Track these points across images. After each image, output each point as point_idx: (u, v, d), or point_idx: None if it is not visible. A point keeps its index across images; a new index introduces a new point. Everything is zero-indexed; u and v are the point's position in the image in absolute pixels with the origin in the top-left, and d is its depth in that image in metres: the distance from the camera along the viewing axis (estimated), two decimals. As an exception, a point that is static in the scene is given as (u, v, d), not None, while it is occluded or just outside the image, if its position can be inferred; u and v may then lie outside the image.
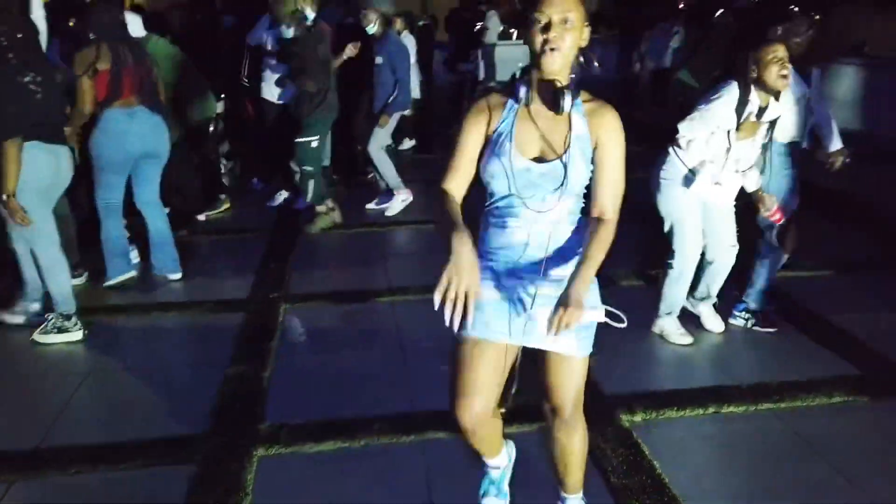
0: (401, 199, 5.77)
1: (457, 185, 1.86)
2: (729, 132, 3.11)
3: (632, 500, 2.35)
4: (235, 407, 2.96)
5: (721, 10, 6.57)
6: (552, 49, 1.70)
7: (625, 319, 1.78)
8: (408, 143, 8.06)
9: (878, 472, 2.51)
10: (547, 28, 1.69)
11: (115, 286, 4.18)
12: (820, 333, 3.55)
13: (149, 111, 4.00)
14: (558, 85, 1.73)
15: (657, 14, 10.60)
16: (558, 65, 1.72)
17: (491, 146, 1.83)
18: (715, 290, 3.53)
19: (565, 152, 1.78)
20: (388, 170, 5.73)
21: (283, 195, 6.00)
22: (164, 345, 3.69)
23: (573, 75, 1.79)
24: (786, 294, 3.97)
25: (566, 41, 1.70)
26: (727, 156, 3.15)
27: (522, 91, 1.77)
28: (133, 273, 4.26)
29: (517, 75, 1.83)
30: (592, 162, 1.82)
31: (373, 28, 5.50)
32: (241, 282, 4.33)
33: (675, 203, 3.30)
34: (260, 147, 6.29)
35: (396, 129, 6.52)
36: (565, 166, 1.78)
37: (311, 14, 5.04)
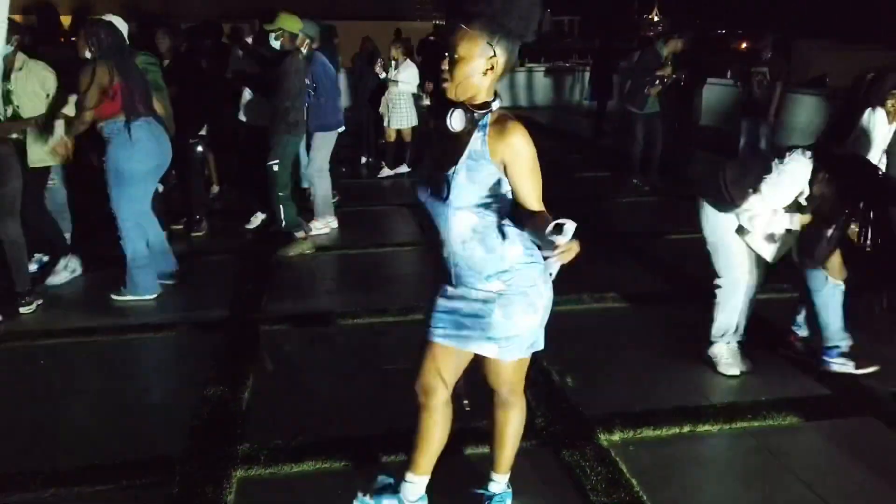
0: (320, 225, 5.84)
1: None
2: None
3: (611, 518, 2.38)
4: (214, 428, 2.93)
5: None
6: (443, 79, 1.90)
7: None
8: (402, 168, 8.12)
9: (849, 489, 2.57)
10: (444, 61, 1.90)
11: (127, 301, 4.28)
12: (793, 353, 3.62)
13: (158, 123, 4.20)
14: (452, 107, 1.90)
15: (631, 43, 10.89)
16: (450, 92, 1.91)
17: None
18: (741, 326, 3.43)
19: (452, 169, 1.94)
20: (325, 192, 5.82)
21: (260, 217, 6.00)
22: (142, 365, 3.66)
23: (492, 99, 1.93)
24: (760, 315, 4.06)
25: (455, 73, 1.88)
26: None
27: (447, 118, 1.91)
28: (158, 293, 4.36)
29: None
30: (507, 178, 1.94)
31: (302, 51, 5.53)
32: (218, 303, 4.31)
33: (718, 224, 3.28)
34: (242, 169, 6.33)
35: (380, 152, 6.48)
36: (448, 181, 1.94)
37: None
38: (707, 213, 3.33)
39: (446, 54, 1.89)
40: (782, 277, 3.75)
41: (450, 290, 2.10)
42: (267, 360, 3.55)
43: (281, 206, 5.22)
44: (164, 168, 4.33)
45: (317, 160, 5.72)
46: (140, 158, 4.10)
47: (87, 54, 4.02)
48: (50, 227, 4.57)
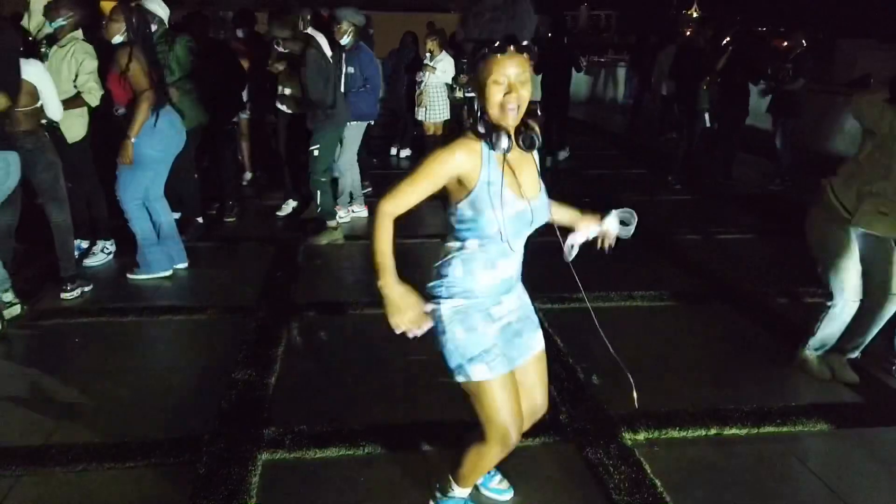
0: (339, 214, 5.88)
1: (398, 210, 1.93)
2: None
3: (633, 518, 2.37)
4: (241, 411, 2.98)
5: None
6: (511, 109, 1.83)
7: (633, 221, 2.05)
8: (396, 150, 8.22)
9: (880, 500, 2.52)
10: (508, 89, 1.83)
11: (144, 280, 4.41)
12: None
13: (175, 111, 4.29)
14: (530, 130, 1.91)
15: (665, 38, 10.73)
16: (516, 120, 1.87)
17: (482, 195, 1.87)
18: (864, 343, 3.29)
19: (538, 193, 1.97)
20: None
21: (292, 204, 6.06)
22: (172, 347, 3.72)
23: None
24: (788, 318, 4.00)
25: (523, 100, 1.85)
26: None
27: (504, 141, 1.85)
28: (171, 271, 4.50)
29: (467, 109, 1.91)
30: None
31: (346, 39, 5.56)
32: (248, 288, 4.37)
33: (826, 239, 3.16)
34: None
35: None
36: (538, 206, 1.96)
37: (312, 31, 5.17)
38: (816, 225, 3.20)
39: (503, 82, 1.81)
40: (811, 281, 3.68)
41: (497, 310, 2.03)
42: (298, 342, 3.59)
43: (318, 192, 5.27)
44: (173, 157, 4.40)
45: (348, 151, 5.77)
46: (159, 146, 4.21)
47: (118, 38, 4.07)
48: (97, 205, 4.68)
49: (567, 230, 2.17)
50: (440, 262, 2.03)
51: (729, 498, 2.53)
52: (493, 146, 1.85)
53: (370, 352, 3.64)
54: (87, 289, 4.22)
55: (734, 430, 2.91)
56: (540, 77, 8.20)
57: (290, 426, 2.85)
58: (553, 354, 3.48)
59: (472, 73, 1.86)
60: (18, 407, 3.03)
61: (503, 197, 1.87)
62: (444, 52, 7.73)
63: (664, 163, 8.00)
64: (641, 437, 2.85)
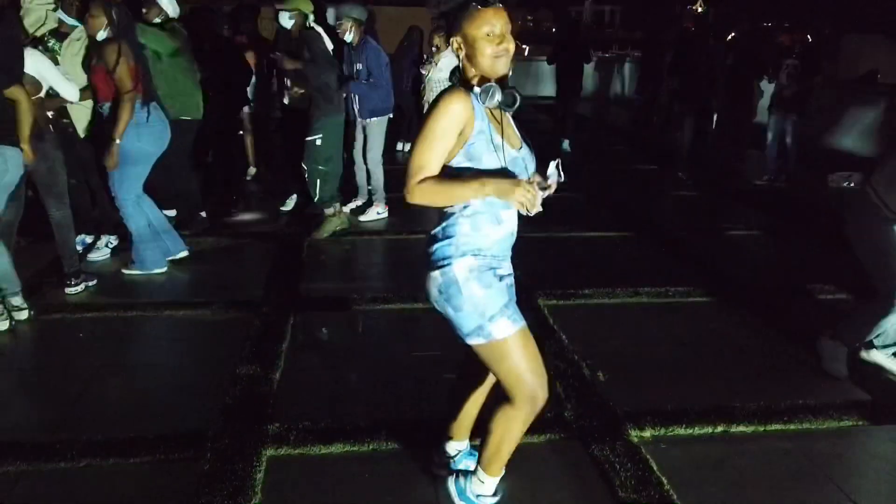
0: (376, 211, 5.92)
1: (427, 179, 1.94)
2: None
3: (639, 516, 2.35)
4: (246, 407, 2.97)
5: None
6: (500, 55, 1.93)
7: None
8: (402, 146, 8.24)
9: (889, 497, 2.50)
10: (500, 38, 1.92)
11: (139, 275, 4.38)
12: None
13: (162, 108, 4.23)
14: (510, 89, 1.94)
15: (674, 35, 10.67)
16: (508, 67, 1.97)
17: (477, 143, 1.93)
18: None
19: (524, 141, 2.07)
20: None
21: (295, 198, 6.05)
22: (176, 342, 3.71)
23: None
24: (797, 316, 3.98)
25: (510, 47, 1.95)
26: None
27: (498, 94, 1.92)
28: (165, 268, 4.45)
29: (457, 75, 2.03)
30: None
31: (349, 36, 5.53)
32: (253, 283, 4.35)
33: (881, 239, 3.09)
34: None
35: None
36: (528, 155, 2.06)
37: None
38: (865, 230, 3.16)
39: (492, 33, 1.90)
40: (825, 279, 3.67)
41: (503, 268, 2.07)
42: (303, 337, 3.58)
43: (318, 180, 5.24)
44: (161, 153, 4.34)
45: (374, 148, 5.75)
46: (150, 140, 4.18)
47: (102, 34, 4.02)
48: (103, 200, 4.68)
49: None
50: (441, 225, 2.03)
51: (736, 495, 2.51)
52: (484, 100, 1.92)
53: (375, 347, 3.63)
54: (91, 283, 4.21)
55: (741, 428, 2.89)
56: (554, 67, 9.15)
57: (294, 422, 2.84)
58: (557, 351, 3.47)
59: (457, 32, 1.94)
60: (23, 402, 3.03)
61: (503, 142, 1.95)
62: (449, 48, 7.69)
63: (671, 159, 7.97)
64: (648, 434, 2.83)
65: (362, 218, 5.85)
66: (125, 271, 4.45)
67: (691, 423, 2.91)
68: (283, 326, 3.76)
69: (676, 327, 3.89)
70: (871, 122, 8.67)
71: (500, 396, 2.09)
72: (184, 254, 4.60)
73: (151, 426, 2.81)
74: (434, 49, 7.60)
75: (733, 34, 7.48)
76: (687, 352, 3.58)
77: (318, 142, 5.16)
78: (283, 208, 6.02)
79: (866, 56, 13.56)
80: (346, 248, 5.20)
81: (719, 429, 2.89)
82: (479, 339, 1.98)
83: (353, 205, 6.05)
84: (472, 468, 2.32)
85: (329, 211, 5.35)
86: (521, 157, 2.02)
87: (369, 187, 6.01)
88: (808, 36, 7.37)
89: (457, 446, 2.48)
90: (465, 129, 1.92)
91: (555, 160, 1.99)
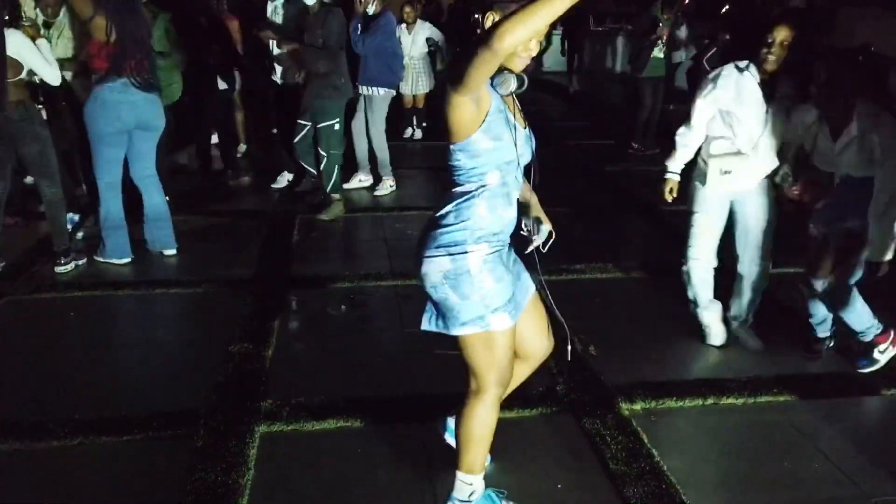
0: (388, 184, 5.92)
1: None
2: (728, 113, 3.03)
3: (630, 487, 2.37)
4: (238, 384, 2.97)
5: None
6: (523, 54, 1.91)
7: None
8: (411, 132, 8.08)
9: (876, 468, 2.52)
10: None
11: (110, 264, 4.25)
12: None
13: (143, 84, 3.99)
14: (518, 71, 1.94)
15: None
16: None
17: (497, 121, 1.92)
18: (744, 311, 3.36)
19: (526, 125, 2.05)
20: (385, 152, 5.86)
21: (287, 176, 6.01)
22: (168, 321, 3.71)
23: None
24: (790, 289, 3.99)
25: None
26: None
27: (513, 82, 1.91)
28: (129, 259, 4.27)
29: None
30: None
31: (372, 7, 5.46)
32: (245, 261, 4.34)
33: (694, 198, 3.25)
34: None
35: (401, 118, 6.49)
36: (533, 135, 2.06)
37: None
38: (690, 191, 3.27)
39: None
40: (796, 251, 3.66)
41: (508, 257, 2.08)
42: (295, 314, 3.58)
43: (336, 166, 5.19)
44: (150, 132, 4.16)
45: (378, 122, 5.72)
46: (107, 118, 3.94)
47: (90, 13, 3.84)
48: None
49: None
50: (454, 207, 1.96)
51: (725, 467, 2.54)
52: (500, 87, 1.90)
53: (367, 324, 3.64)
54: (81, 262, 4.18)
55: (731, 400, 2.92)
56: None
57: (287, 398, 2.84)
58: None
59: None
60: (15, 381, 3.02)
61: (514, 120, 1.95)
62: (420, 21, 7.49)
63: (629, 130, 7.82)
64: (638, 407, 2.85)
65: (377, 192, 5.87)
66: (96, 257, 4.28)
67: (682, 396, 2.93)
68: (275, 304, 3.76)
69: (666, 301, 3.90)
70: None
71: (467, 398, 2.08)
72: (171, 252, 4.40)
73: (144, 404, 2.82)
74: (405, 24, 7.36)
75: (727, 7, 7.38)
76: (677, 326, 3.59)
77: (336, 126, 5.10)
78: (275, 186, 5.98)
79: (860, 30, 13.46)
80: (337, 226, 5.18)
81: (709, 401, 2.91)
82: (474, 329, 1.96)
83: (357, 183, 5.99)
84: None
85: (336, 196, 5.30)
86: (528, 135, 2.05)
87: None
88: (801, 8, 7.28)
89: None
90: (484, 101, 1.88)
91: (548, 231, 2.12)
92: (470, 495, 2.14)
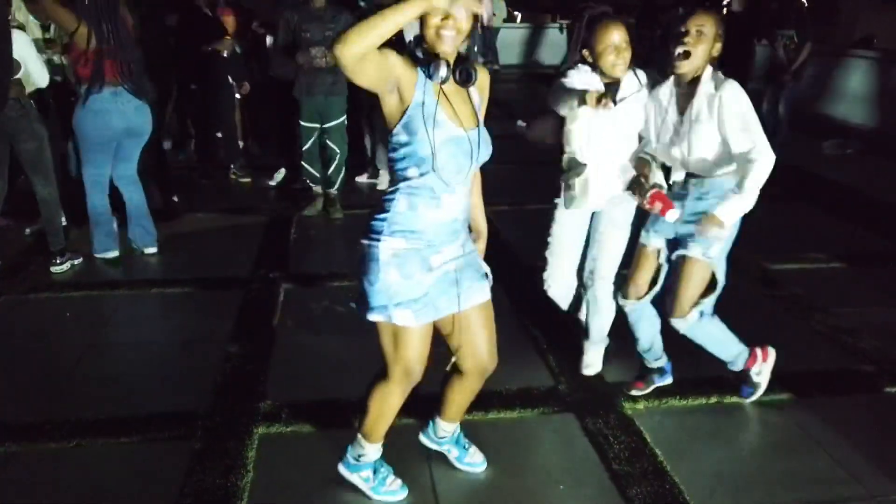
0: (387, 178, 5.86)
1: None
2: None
3: (633, 487, 2.35)
4: (236, 384, 2.94)
5: None
6: (447, 35, 1.83)
7: None
8: None
9: (880, 466, 2.50)
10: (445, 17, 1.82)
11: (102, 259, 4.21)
12: (824, 326, 3.53)
13: (131, 92, 3.96)
14: (468, 65, 1.88)
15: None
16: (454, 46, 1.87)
17: (411, 114, 1.87)
18: (595, 334, 3.02)
19: (476, 126, 1.97)
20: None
21: (283, 173, 5.97)
22: (165, 320, 3.68)
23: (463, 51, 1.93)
24: (791, 286, 3.96)
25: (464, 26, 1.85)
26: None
27: (443, 70, 1.84)
28: (117, 253, 4.23)
29: (414, 44, 1.91)
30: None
31: None
32: (241, 260, 4.30)
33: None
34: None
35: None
36: (477, 138, 1.95)
37: None
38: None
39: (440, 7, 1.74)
40: (811, 248, 3.65)
41: (436, 259, 1.99)
42: (292, 314, 3.55)
43: (345, 162, 5.18)
44: (137, 138, 4.12)
45: (380, 115, 5.68)
46: (95, 126, 3.93)
47: (74, 24, 3.79)
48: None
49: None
50: (384, 198, 2.00)
51: (729, 466, 2.52)
52: (429, 74, 1.85)
53: (365, 323, 3.59)
54: (76, 262, 4.15)
55: (734, 399, 2.89)
56: None
57: (285, 399, 2.82)
58: (552, 323, 3.44)
59: None
60: (11, 382, 2.99)
61: (437, 119, 1.87)
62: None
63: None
64: (641, 406, 2.83)
65: (379, 186, 5.72)
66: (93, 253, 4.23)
67: (685, 395, 2.91)
68: (273, 303, 3.73)
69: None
70: (864, 88, 8.60)
71: (379, 374, 2.15)
72: (151, 250, 4.35)
73: (142, 405, 2.79)
74: None
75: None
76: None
77: (345, 122, 5.07)
78: (271, 183, 5.94)
79: (863, 20, 13.41)
80: (333, 223, 5.14)
81: (713, 399, 2.89)
82: (379, 316, 2.00)
83: (372, 179, 5.92)
84: (453, 455, 2.40)
85: (317, 189, 5.25)
86: (467, 139, 1.92)
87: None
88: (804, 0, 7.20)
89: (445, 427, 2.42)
90: (404, 92, 1.85)
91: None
92: (359, 457, 2.25)
